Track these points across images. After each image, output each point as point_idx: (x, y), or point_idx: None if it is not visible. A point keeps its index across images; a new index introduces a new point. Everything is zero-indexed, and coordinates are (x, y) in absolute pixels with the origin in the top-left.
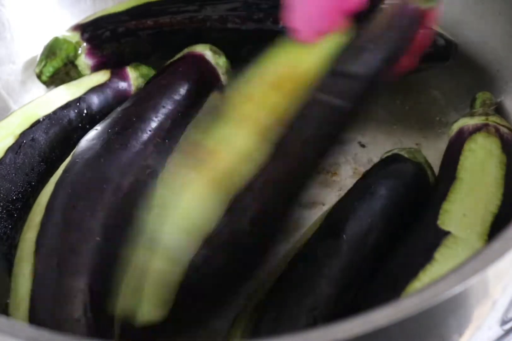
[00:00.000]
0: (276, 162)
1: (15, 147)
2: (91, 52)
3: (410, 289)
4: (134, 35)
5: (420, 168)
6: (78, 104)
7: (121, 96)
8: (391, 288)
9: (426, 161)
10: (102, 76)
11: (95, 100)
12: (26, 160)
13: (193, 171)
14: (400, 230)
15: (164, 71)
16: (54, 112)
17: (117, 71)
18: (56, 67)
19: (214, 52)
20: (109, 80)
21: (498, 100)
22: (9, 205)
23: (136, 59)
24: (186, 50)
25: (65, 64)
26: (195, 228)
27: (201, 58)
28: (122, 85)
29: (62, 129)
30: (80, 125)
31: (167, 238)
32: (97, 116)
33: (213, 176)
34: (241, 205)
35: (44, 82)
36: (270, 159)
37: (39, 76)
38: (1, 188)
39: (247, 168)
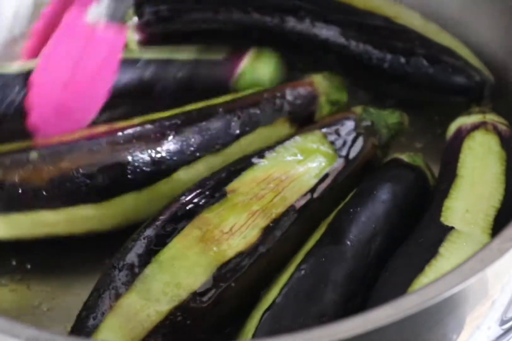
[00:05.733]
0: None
1: None
2: (140, 27)
3: (417, 285)
4: (181, 18)
5: (420, 172)
6: (160, 65)
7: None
8: (398, 284)
9: (426, 164)
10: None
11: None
12: None
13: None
14: (403, 233)
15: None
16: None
17: (237, 53)
18: None
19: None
20: (222, 60)
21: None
22: None
23: (183, 41)
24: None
25: None
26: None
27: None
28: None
29: (129, 83)
30: (141, 87)
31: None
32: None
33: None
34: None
35: None
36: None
37: None
38: None
39: (236, 242)
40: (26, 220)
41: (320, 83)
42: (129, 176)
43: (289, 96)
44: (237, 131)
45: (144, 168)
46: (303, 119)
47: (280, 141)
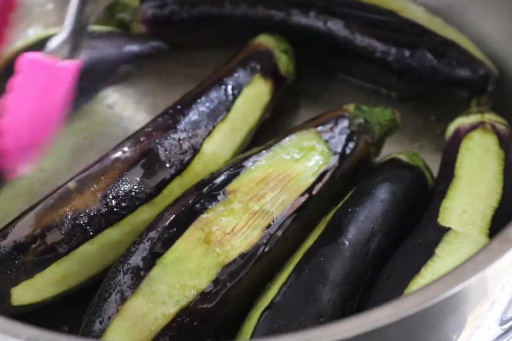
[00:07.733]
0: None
1: None
2: (145, 20)
3: (413, 286)
4: (187, 12)
5: (418, 171)
6: None
7: None
8: (395, 285)
9: (425, 164)
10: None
11: None
12: None
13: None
14: (401, 233)
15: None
16: None
17: None
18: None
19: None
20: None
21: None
22: None
23: (188, 34)
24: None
25: (120, 26)
26: (190, 285)
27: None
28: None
29: None
30: None
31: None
32: None
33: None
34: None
35: None
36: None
37: None
38: None
39: (238, 243)
40: (94, 247)
41: (266, 40)
42: (167, 165)
43: (253, 57)
44: (231, 97)
45: (176, 152)
46: (271, 72)
47: (277, 141)
